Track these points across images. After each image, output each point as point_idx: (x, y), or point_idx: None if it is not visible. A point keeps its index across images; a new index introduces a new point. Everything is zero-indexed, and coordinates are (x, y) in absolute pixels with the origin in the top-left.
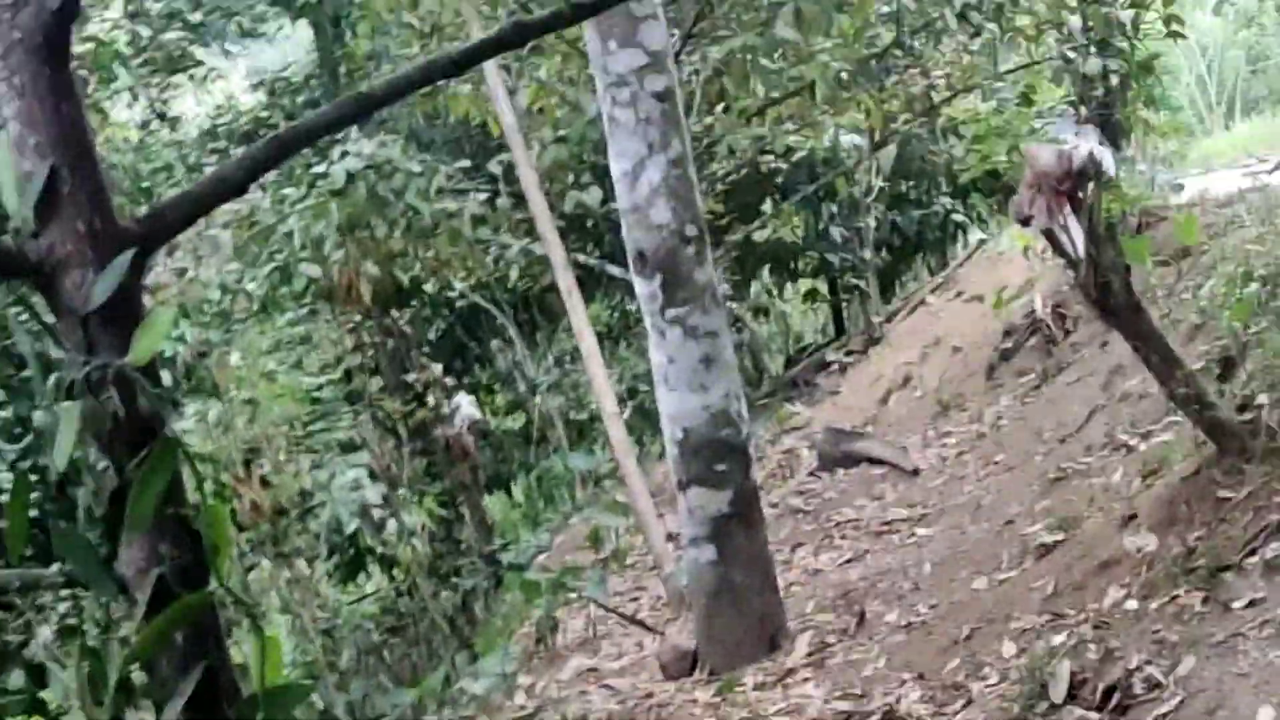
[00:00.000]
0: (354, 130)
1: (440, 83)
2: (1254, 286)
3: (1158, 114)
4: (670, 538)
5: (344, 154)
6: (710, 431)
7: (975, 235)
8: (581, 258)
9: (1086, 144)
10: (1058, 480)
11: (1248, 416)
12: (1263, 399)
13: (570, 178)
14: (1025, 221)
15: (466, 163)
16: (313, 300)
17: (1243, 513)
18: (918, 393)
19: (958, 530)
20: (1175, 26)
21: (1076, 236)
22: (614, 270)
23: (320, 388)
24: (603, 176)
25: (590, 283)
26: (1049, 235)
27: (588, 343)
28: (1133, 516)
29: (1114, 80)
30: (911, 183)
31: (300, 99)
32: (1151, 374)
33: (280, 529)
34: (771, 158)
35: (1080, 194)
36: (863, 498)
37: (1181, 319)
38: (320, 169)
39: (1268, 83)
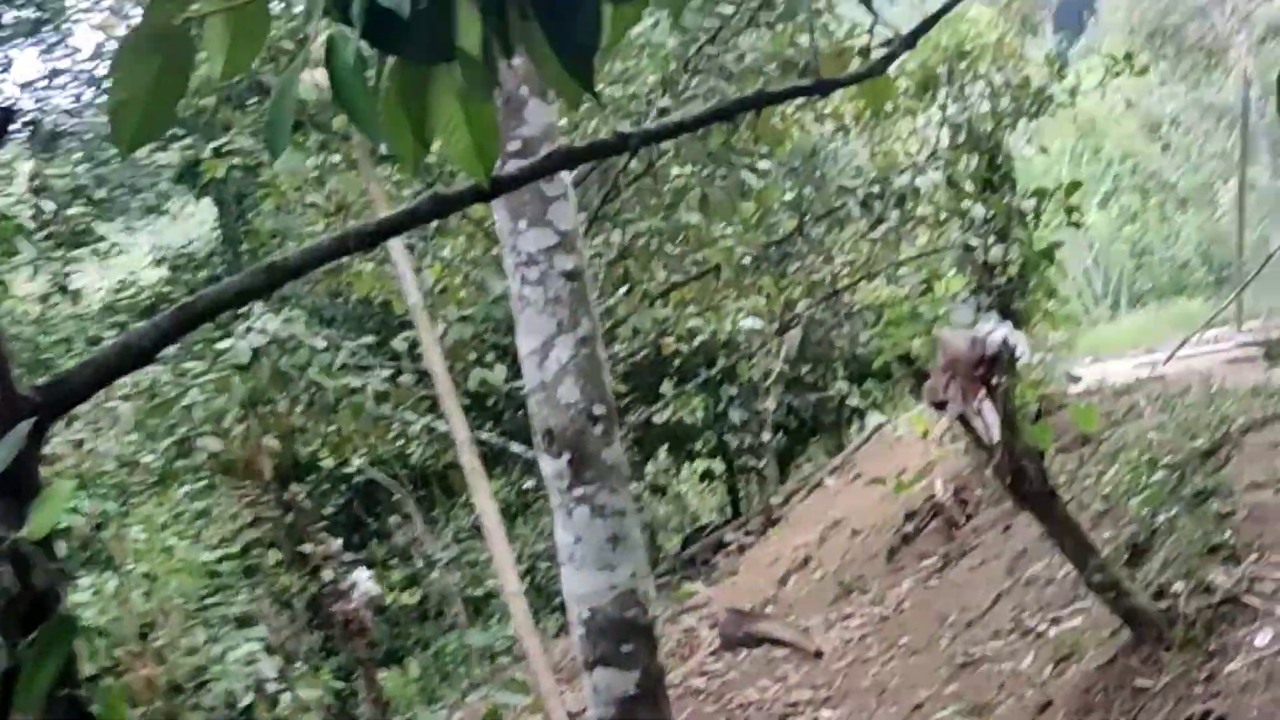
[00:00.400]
0: (258, 306)
1: (344, 261)
2: (1161, 474)
3: (1055, 301)
4: (572, 717)
5: (248, 330)
6: (617, 611)
7: (872, 420)
8: (484, 435)
9: (1000, 330)
10: (966, 665)
11: (1164, 604)
12: (1179, 586)
13: (473, 355)
14: (940, 406)
15: (370, 339)
16: (211, 474)
17: (1163, 702)
18: (817, 574)
19: (864, 715)
20: (1075, 216)
21: (991, 422)
22: (516, 448)
23: (218, 561)
24: (506, 355)
25: (489, 460)
26: (963, 420)
27: (491, 519)
28: (1047, 704)
29: (1013, 269)
30: (808, 367)
31: (203, 275)
32: (1066, 559)
33: (174, 705)
34: (673, 340)
35: (994, 380)
36: (765, 679)
37: (1087, 505)
38: (224, 344)
39: (1152, 277)
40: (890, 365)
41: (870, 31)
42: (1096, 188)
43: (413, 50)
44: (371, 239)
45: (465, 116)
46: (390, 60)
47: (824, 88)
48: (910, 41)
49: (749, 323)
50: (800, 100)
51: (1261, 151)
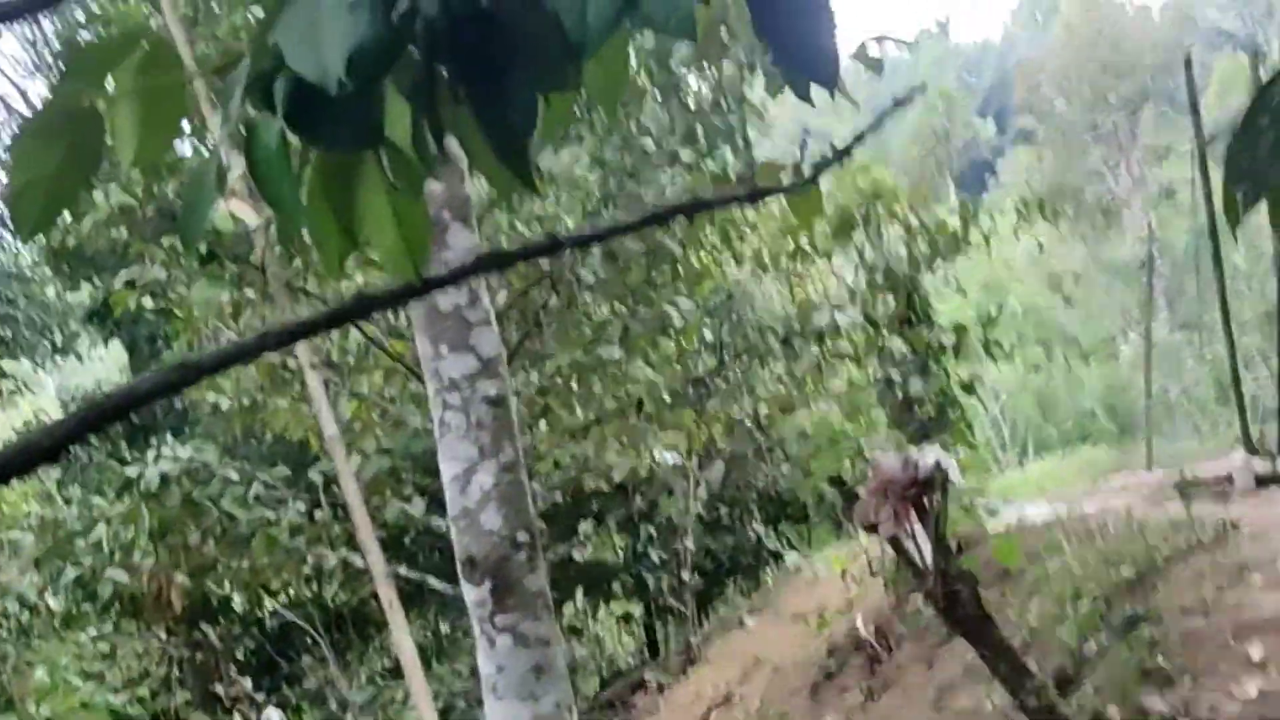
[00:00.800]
0: (169, 435)
1: (259, 399)
2: (1087, 604)
3: (973, 437)
4: None
5: (158, 457)
6: None
7: (789, 560)
8: (402, 570)
9: (932, 453)
10: None
11: None
12: (1114, 711)
13: (389, 492)
14: (871, 528)
15: (286, 471)
16: (118, 615)
17: None
18: (739, 712)
19: None
20: (995, 350)
21: (923, 545)
22: (435, 583)
23: (125, 703)
24: (424, 493)
25: (405, 600)
26: (895, 543)
27: (408, 654)
28: None
29: (930, 408)
30: (725, 509)
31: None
32: (995, 689)
33: None
34: (592, 477)
35: (926, 502)
36: None
37: (1011, 637)
38: (133, 471)
39: (1057, 425)
40: (807, 507)
41: (803, 148)
42: (1002, 340)
43: (337, 137)
44: (293, 337)
45: (393, 210)
46: (315, 149)
47: (758, 195)
48: (843, 155)
49: (669, 456)
50: (719, 240)
51: (1160, 308)
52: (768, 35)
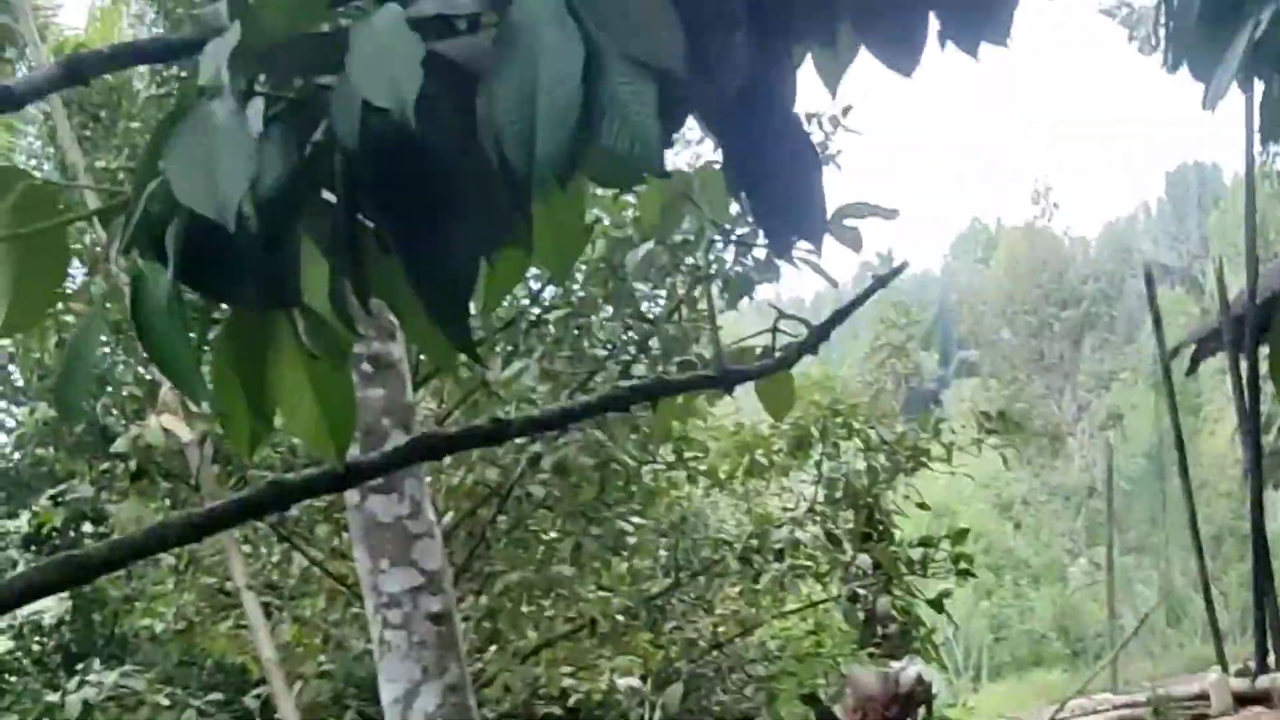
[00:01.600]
0: (96, 662)
1: (194, 622)
2: None
3: (938, 656)
4: None
5: (81, 684)
6: None
7: None
8: None
9: (913, 667)
10: None
11: None
12: None
13: (329, 717)
14: None
15: (220, 696)
16: None
17: None
18: None
19: None
20: (964, 565)
21: None
22: None
23: None
24: (367, 715)
25: None
26: None
27: None
28: None
29: (894, 626)
30: None
31: (50, 643)
32: None
33: None
34: (543, 702)
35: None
36: None
37: None
38: (53, 698)
39: (1010, 650)
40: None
41: (774, 330)
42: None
43: (242, 292)
44: (198, 531)
45: (312, 382)
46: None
47: (729, 379)
48: (820, 335)
49: (626, 681)
50: (672, 455)
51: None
52: (750, 189)
